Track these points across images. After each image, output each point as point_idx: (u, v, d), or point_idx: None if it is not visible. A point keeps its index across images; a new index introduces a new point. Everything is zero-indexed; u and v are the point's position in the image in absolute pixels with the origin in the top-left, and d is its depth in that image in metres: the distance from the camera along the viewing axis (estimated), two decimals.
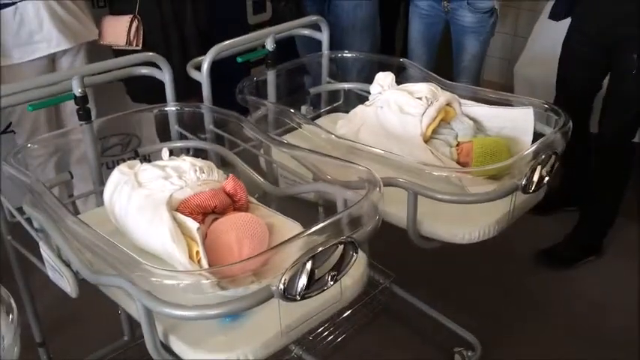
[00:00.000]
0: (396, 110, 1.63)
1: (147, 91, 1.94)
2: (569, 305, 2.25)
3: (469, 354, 1.99)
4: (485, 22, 2.54)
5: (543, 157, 1.37)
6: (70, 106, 2.22)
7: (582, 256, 2.45)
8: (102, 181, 1.64)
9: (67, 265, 1.23)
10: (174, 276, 0.98)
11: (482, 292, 2.30)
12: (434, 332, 2.09)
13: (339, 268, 1.04)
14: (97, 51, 2.27)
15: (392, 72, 1.79)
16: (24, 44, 2.10)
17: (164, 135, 1.94)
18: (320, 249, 1.00)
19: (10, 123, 2.40)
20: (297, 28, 2.01)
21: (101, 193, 1.55)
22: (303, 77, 2.52)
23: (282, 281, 0.98)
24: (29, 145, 1.48)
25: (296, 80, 2.21)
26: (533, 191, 1.38)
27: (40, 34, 2.10)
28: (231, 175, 1.34)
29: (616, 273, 2.40)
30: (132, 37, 2.18)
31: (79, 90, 1.52)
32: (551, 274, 2.39)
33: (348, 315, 2.07)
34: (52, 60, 2.19)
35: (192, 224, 1.17)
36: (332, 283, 1.03)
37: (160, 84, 1.71)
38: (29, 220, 1.36)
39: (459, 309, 2.15)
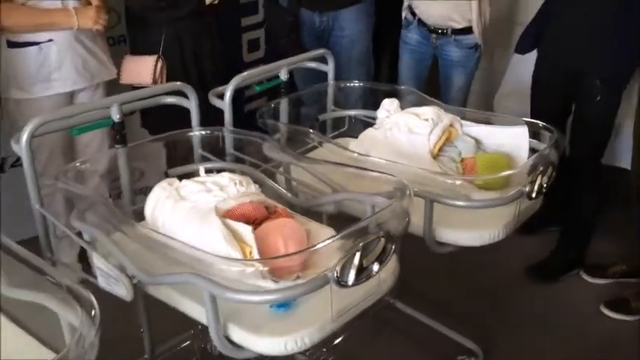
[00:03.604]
0: (405, 131, 1.79)
1: (163, 122, 2.01)
2: (560, 314, 2.41)
3: None
4: (471, 56, 2.77)
5: (542, 167, 1.56)
6: (86, 138, 2.33)
7: (567, 269, 2.63)
8: (133, 202, 1.76)
9: (123, 270, 1.34)
10: (238, 264, 1.11)
11: (478, 305, 2.44)
12: (436, 343, 2.19)
13: (381, 259, 1.19)
14: (113, 85, 2.38)
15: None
16: (42, 81, 2.21)
17: (182, 162, 2.07)
18: (365, 241, 1.15)
19: None
20: (305, 61, 2.18)
21: (132, 212, 1.67)
22: (301, 107, 2.67)
23: (336, 270, 1.12)
24: (77, 164, 1.59)
25: (296, 110, 2.36)
26: (535, 197, 1.55)
27: (58, 73, 2.22)
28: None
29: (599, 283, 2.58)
30: (157, 76, 2.31)
31: (117, 116, 1.66)
32: (541, 287, 2.57)
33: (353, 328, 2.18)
34: (70, 95, 2.31)
35: (244, 228, 1.29)
36: (376, 271, 1.17)
37: (176, 116, 1.85)
38: (79, 234, 1.47)
39: (457, 322, 2.24)
